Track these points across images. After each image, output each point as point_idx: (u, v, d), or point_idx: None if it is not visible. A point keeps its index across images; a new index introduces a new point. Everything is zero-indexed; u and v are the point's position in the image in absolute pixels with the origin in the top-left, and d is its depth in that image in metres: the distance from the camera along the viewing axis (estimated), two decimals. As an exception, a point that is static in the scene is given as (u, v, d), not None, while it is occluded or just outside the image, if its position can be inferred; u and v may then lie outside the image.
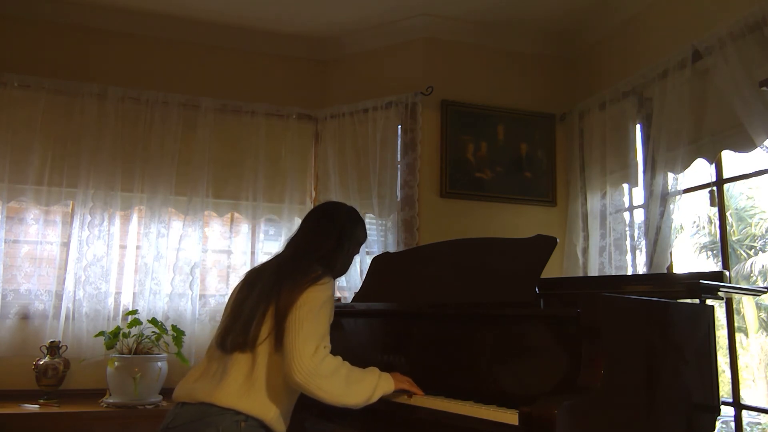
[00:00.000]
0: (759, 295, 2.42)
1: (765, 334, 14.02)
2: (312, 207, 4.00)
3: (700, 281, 1.93)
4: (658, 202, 3.06)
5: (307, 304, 1.76)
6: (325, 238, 2.01)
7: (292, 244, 2.04)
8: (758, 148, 2.67)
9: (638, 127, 3.41)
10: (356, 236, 2.10)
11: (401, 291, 2.46)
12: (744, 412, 2.85)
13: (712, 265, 15.16)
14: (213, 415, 1.70)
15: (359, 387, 1.79)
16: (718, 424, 1.86)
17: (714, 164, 2.97)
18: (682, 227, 14.53)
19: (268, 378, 1.75)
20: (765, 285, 10.54)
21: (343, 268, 2.07)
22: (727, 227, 3.24)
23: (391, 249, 3.68)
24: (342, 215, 2.11)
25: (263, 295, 1.82)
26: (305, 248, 1.99)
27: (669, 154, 3.03)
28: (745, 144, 2.71)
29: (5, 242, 3.49)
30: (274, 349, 1.75)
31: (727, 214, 3.54)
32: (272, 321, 1.76)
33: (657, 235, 3.03)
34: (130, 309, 3.49)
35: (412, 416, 1.84)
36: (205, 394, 1.74)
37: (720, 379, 1.95)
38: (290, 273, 1.84)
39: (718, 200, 2.97)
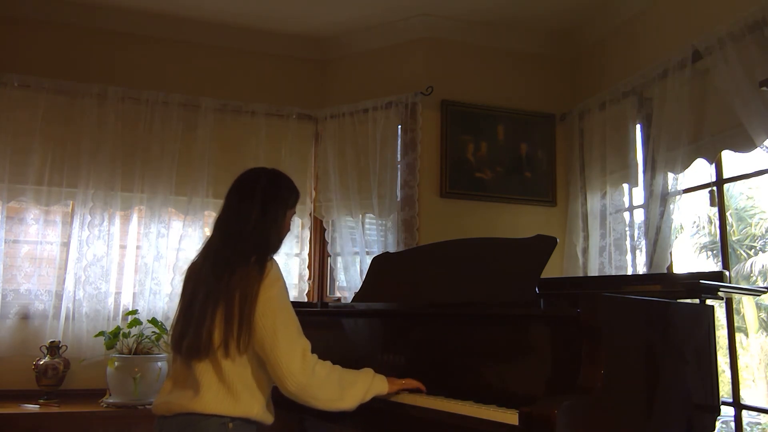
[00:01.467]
0: (759, 295, 2.42)
1: (765, 334, 14.02)
2: (312, 207, 4.04)
3: (700, 281, 1.93)
4: (658, 202, 3.06)
5: (269, 307, 1.72)
6: (248, 210, 1.86)
7: (219, 226, 1.91)
8: (758, 148, 2.67)
9: (638, 127, 3.41)
10: (281, 198, 1.93)
11: (401, 291, 2.46)
12: (744, 412, 2.85)
13: (712, 265, 15.16)
14: (197, 423, 1.69)
15: (352, 391, 1.81)
16: (718, 424, 1.87)
17: (714, 164, 2.96)
18: (682, 227, 14.54)
19: (240, 378, 1.73)
20: (765, 285, 10.54)
21: (278, 238, 1.92)
22: (727, 227, 3.24)
23: (391, 249, 3.68)
24: (261, 180, 1.94)
25: (210, 295, 1.75)
26: (232, 228, 1.86)
27: (669, 154, 3.03)
28: (745, 144, 2.71)
29: (5, 242, 3.49)
30: (234, 352, 1.71)
31: (727, 214, 3.54)
32: (224, 325, 1.71)
33: (657, 235, 3.03)
34: (130, 309, 3.49)
35: (412, 416, 1.84)
36: (182, 406, 1.72)
37: (720, 379, 1.95)
38: (228, 266, 1.77)
39: (718, 200, 2.97)
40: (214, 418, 1.69)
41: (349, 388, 1.80)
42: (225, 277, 1.75)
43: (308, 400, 1.75)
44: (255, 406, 1.75)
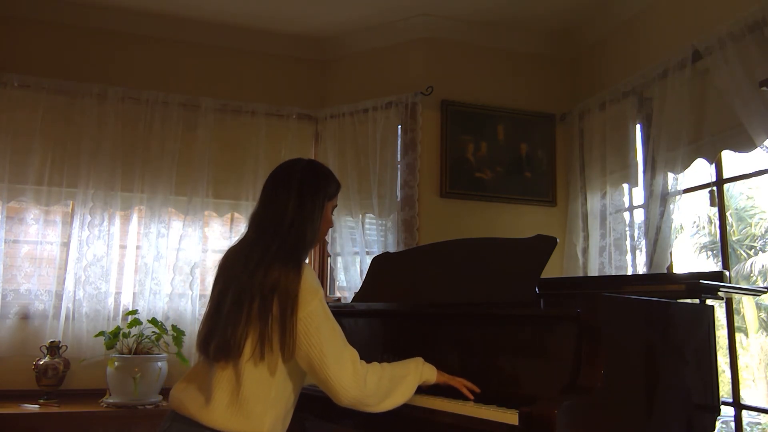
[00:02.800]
0: (759, 295, 2.42)
1: (765, 334, 14.02)
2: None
3: (700, 281, 1.93)
4: (658, 202, 3.06)
5: (312, 324, 1.64)
6: (284, 202, 1.76)
7: (254, 221, 1.82)
8: (758, 148, 2.67)
9: (638, 127, 3.41)
10: (319, 188, 1.81)
11: (401, 291, 2.46)
12: (744, 412, 2.85)
13: (712, 265, 15.17)
14: None
15: (403, 387, 1.77)
16: (718, 424, 1.87)
17: (714, 164, 2.96)
18: (682, 227, 14.53)
19: (257, 392, 1.64)
20: (765, 285, 10.54)
21: (314, 234, 1.80)
22: (727, 227, 3.24)
23: (391, 249, 3.68)
24: (297, 170, 1.83)
25: (243, 294, 1.65)
26: (267, 222, 1.76)
27: (669, 154, 3.03)
28: (745, 144, 2.71)
29: (5, 242, 3.49)
30: (259, 359, 1.62)
31: (727, 214, 3.54)
32: (259, 327, 1.62)
33: (657, 235, 3.03)
34: (130, 309, 3.49)
35: (412, 416, 1.84)
36: (190, 411, 1.66)
37: (720, 379, 1.95)
38: (262, 262, 1.66)
39: (718, 200, 2.97)
40: None
41: (400, 385, 1.76)
42: (259, 276, 1.64)
43: (364, 409, 1.70)
44: (265, 424, 1.65)
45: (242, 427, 1.62)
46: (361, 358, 1.74)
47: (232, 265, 1.76)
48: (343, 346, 1.70)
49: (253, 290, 1.64)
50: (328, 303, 1.76)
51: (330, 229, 4.00)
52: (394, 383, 1.75)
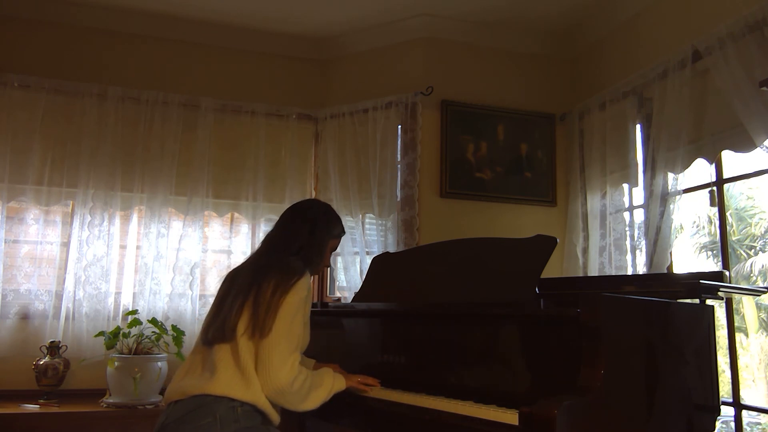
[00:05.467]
0: (759, 295, 2.42)
1: (765, 334, 14.02)
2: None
3: (700, 281, 1.93)
4: (658, 202, 3.06)
5: (288, 311, 1.83)
6: (298, 231, 2.06)
7: (267, 240, 2.11)
8: (758, 148, 2.67)
9: (638, 127, 3.41)
10: (330, 228, 2.14)
11: (401, 291, 2.46)
12: (744, 412, 2.85)
13: (712, 265, 15.16)
14: (209, 404, 1.75)
15: (317, 393, 1.90)
16: (718, 424, 1.87)
17: (714, 164, 2.96)
18: (682, 227, 14.53)
19: (253, 363, 1.81)
20: (765, 285, 10.54)
21: (319, 260, 2.09)
22: (727, 227, 3.24)
23: (391, 249, 3.68)
24: (314, 209, 2.16)
25: (242, 290, 1.89)
26: (279, 243, 2.05)
27: (669, 154, 3.03)
28: (745, 144, 2.71)
29: (5, 242, 3.49)
30: (251, 334, 1.81)
31: (727, 214, 3.54)
32: (250, 312, 1.83)
33: (657, 235, 3.03)
34: (130, 309, 3.49)
35: (411, 416, 1.84)
36: (196, 388, 1.80)
37: (720, 379, 1.95)
38: (266, 267, 1.91)
39: (718, 200, 2.97)
40: (225, 400, 1.76)
41: (314, 391, 1.90)
42: (259, 277, 1.88)
43: (278, 401, 1.84)
44: (263, 396, 1.80)
45: (244, 392, 1.78)
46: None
47: (239, 273, 2.00)
48: (296, 346, 1.86)
49: (250, 290, 1.86)
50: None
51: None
52: (310, 390, 1.89)
